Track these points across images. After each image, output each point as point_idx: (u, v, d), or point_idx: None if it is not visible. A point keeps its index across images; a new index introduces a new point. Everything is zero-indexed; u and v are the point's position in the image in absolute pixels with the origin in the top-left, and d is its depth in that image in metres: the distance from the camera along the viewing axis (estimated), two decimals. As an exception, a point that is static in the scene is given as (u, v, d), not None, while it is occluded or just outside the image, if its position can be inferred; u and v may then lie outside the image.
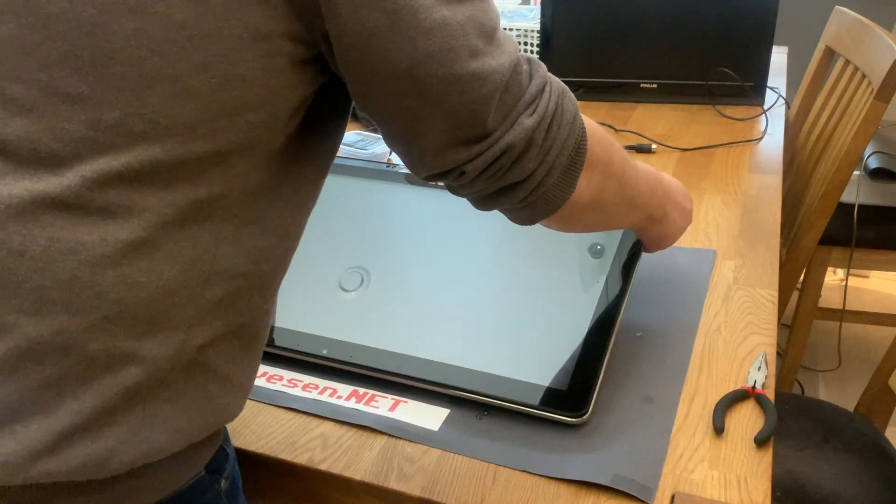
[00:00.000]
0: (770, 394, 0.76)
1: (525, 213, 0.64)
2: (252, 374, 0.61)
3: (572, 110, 0.60)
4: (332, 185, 1.06)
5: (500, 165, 0.58)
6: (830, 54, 1.78)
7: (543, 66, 0.60)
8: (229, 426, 0.75)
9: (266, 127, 0.53)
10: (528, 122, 0.57)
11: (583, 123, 0.62)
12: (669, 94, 1.67)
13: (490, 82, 0.54)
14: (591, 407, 0.73)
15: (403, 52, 0.52)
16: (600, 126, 0.67)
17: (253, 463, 0.73)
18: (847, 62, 1.64)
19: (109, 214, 0.49)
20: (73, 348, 0.49)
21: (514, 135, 0.57)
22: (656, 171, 0.80)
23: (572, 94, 0.62)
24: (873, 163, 1.79)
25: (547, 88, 0.59)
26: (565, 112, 0.60)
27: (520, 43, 1.82)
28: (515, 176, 0.59)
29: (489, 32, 0.55)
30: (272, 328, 0.86)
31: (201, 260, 0.52)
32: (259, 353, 0.61)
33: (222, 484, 0.62)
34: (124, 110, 0.48)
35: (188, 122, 0.49)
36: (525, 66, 0.58)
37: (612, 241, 0.90)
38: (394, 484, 0.68)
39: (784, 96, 1.68)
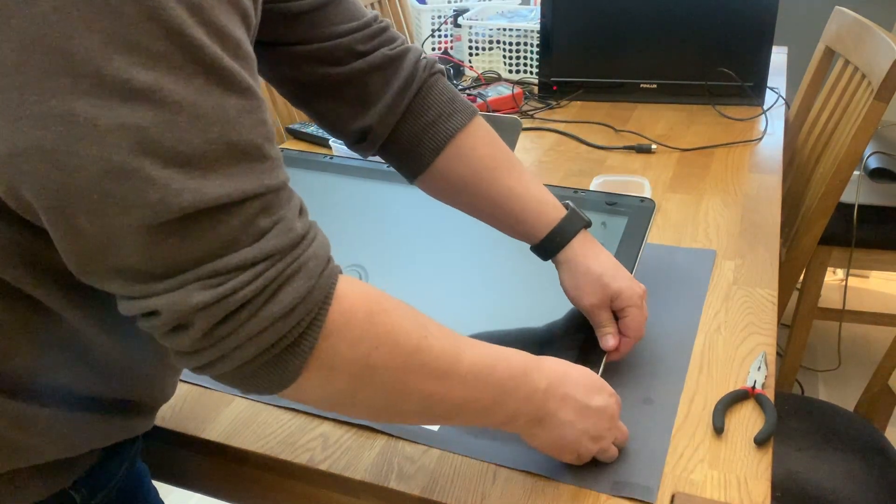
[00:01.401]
0: (770, 394, 0.76)
1: (227, 380, 0.51)
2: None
3: (289, 303, 0.48)
4: (332, 185, 1.06)
5: (151, 325, 0.48)
6: (830, 54, 1.78)
7: (295, 236, 0.48)
8: (229, 423, 0.75)
9: None
10: (194, 298, 0.45)
11: (316, 318, 0.49)
12: (669, 94, 1.67)
13: (135, 214, 0.43)
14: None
15: (1, 133, 0.42)
16: (402, 317, 0.54)
17: (253, 463, 0.73)
18: (847, 62, 1.64)
19: None
20: None
21: (166, 305, 0.46)
22: (533, 359, 0.63)
23: (314, 282, 0.49)
24: (873, 163, 1.79)
25: (262, 267, 0.47)
26: (272, 305, 0.47)
27: (520, 43, 1.82)
28: (173, 343, 0.48)
29: (166, 153, 0.43)
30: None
31: None
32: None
33: None
34: None
35: None
36: (251, 226, 0.46)
37: (613, 240, 0.90)
38: (394, 484, 0.68)
39: (784, 96, 1.68)
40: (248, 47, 0.49)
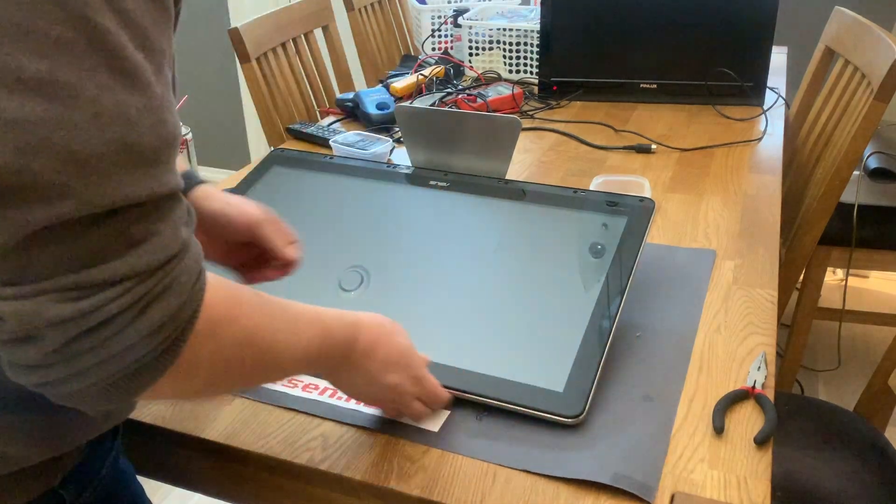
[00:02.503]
0: (770, 394, 0.76)
1: (66, 400, 0.46)
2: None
3: (157, 320, 0.44)
4: (334, 185, 1.06)
5: None
6: (830, 54, 1.78)
7: (170, 252, 0.44)
8: (229, 423, 0.75)
9: None
10: (49, 310, 0.41)
11: (183, 332, 0.46)
12: (669, 94, 1.67)
13: (9, 217, 0.39)
14: (587, 407, 0.73)
15: None
16: (255, 313, 0.53)
17: (253, 463, 0.73)
18: (847, 62, 1.64)
19: None
20: None
21: (14, 312, 0.41)
22: (352, 325, 0.64)
23: (185, 297, 0.45)
24: (873, 163, 1.79)
25: (131, 283, 0.42)
26: (139, 323, 0.43)
27: (520, 43, 1.82)
28: (15, 355, 0.43)
29: (58, 154, 0.39)
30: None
31: None
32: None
33: None
34: None
35: None
36: (123, 235, 0.42)
37: (612, 240, 0.90)
38: (394, 484, 0.68)
39: (784, 96, 1.68)
40: (158, 38, 0.44)
